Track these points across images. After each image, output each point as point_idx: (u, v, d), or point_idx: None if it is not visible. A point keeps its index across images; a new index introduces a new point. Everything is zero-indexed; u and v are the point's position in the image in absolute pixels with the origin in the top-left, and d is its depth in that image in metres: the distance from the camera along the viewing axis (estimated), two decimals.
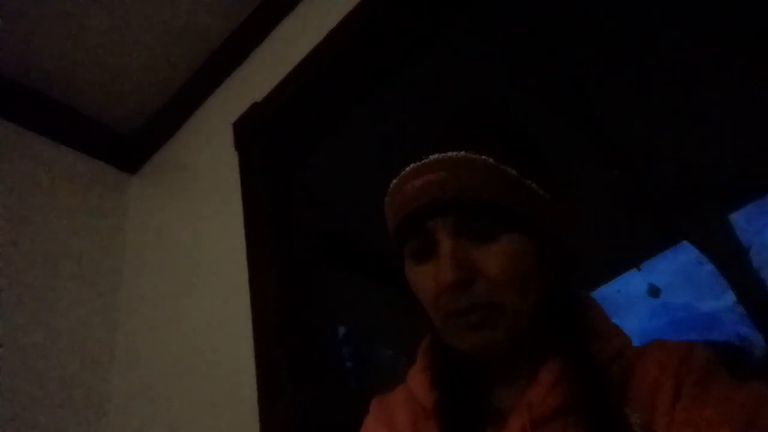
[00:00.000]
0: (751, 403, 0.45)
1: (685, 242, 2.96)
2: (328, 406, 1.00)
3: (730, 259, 2.87)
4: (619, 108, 2.00)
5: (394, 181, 0.58)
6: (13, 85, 1.59)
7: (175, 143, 1.74)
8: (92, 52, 1.60)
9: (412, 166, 0.56)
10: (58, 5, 1.47)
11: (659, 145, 2.15)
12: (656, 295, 3.36)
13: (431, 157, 0.55)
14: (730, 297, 3.02)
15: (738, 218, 2.88)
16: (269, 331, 1.12)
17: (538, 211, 0.55)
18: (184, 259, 1.48)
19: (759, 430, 0.42)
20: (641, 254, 3.04)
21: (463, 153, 0.54)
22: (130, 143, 1.82)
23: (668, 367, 0.51)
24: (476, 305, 0.52)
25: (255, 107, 1.45)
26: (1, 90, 1.57)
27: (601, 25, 1.76)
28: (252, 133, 1.44)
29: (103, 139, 1.78)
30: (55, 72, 1.61)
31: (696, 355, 0.52)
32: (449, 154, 0.54)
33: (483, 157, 0.54)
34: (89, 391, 1.38)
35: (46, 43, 1.55)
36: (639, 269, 3.18)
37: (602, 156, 2.17)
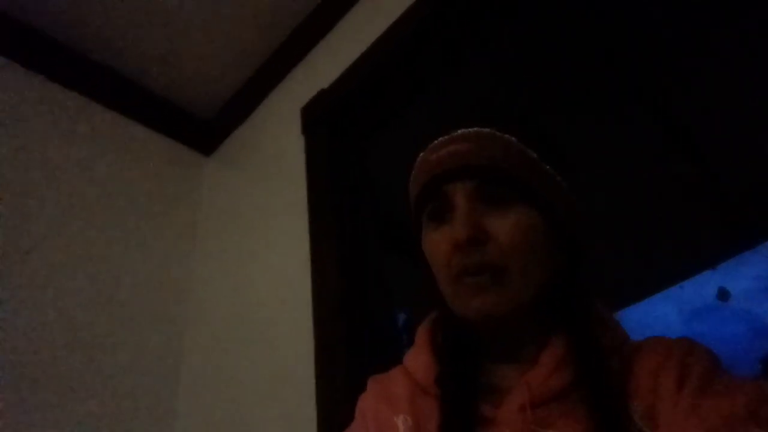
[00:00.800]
0: (754, 398, 0.45)
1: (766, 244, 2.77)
2: None
3: None
4: (695, 102, 1.89)
5: (422, 153, 0.62)
6: (99, 67, 1.72)
7: (247, 127, 1.83)
8: (172, 40, 1.70)
9: (440, 139, 0.60)
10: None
11: (739, 141, 2.02)
12: (725, 299, 3.16)
13: (459, 131, 0.58)
14: None
15: None
16: (329, 310, 1.16)
17: (553, 193, 0.58)
18: (252, 237, 1.56)
19: (762, 419, 0.42)
20: (717, 255, 2.87)
21: (488, 129, 0.58)
22: (206, 126, 1.93)
23: (673, 356, 0.52)
24: (486, 264, 0.54)
25: (322, 94, 1.50)
26: (87, 72, 1.70)
27: (670, 15, 1.67)
28: (318, 118, 1.49)
29: (182, 122, 1.89)
30: (137, 56, 1.74)
31: (701, 349, 0.53)
32: (474, 129, 0.58)
33: (506, 135, 0.57)
34: (161, 360, 1.49)
35: (130, 28, 1.66)
36: (715, 269, 3.00)
37: (676, 151, 2.07)
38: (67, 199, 1.50)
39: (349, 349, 1.07)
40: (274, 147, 1.65)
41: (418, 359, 0.63)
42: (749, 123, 1.95)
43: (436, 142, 0.60)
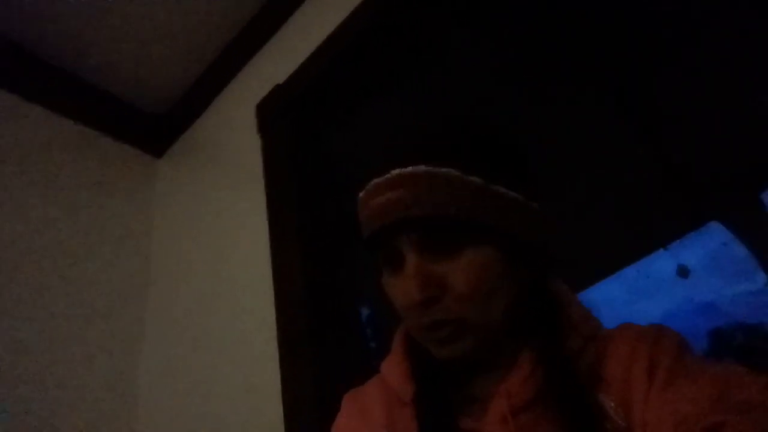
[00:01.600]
0: (721, 379, 0.46)
1: (714, 223, 2.89)
2: (348, 378, 1.02)
3: (761, 240, 2.79)
4: (648, 83, 1.95)
5: (361, 194, 0.58)
6: (42, 66, 1.62)
7: (200, 126, 1.77)
8: (119, 35, 1.62)
9: (374, 181, 0.56)
10: None
11: (689, 121, 2.10)
12: (685, 276, 3.30)
13: (393, 172, 0.54)
14: (761, 279, 2.95)
15: None
16: (291, 309, 1.14)
17: (506, 217, 0.54)
18: (209, 240, 1.51)
19: (731, 403, 0.43)
20: (669, 234, 2.98)
21: (422, 168, 0.53)
22: (156, 126, 1.86)
23: (641, 346, 0.52)
24: (441, 321, 0.53)
25: (277, 89, 1.46)
26: (28, 71, 1.60)
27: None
28: (275, 115, 1.45)
29: (131, 123, 1.81)
30: (84, 54, 1.65)
31: (667, 335, 0.53)
32: (409, 169, 0.54)
33: (444, 169, 0.53)
34: (117, 370, 1.43)
35: (74, 24, 1.57)
36: (666, 248, 3.12)
37: (630, 132, 2.12)
38: (7, 208, 1.41)
39: (312, 347, 1.06)
40: (229, 146, 1.60)
41: (395, 369, 0.62)
42: (700, 103, 2.02)
43: (373, 183, 0.56)
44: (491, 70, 1.65)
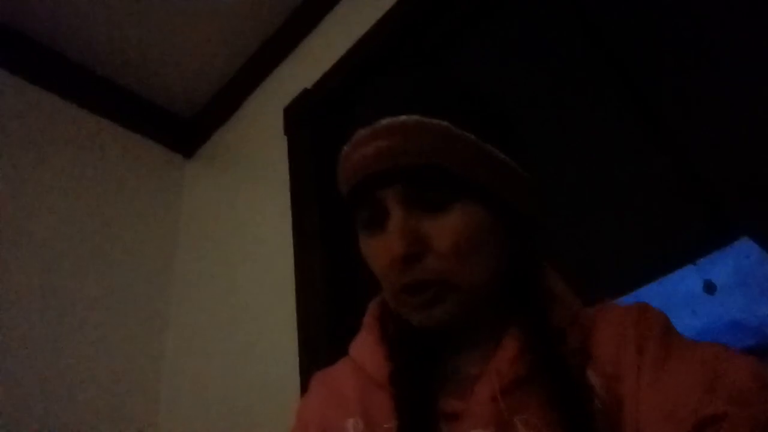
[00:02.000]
0: (710, 362, 0.45)
1: (745, 239, 2.82)
2: None
3: None
4: (674, 93, 1.91)
5: (345, 148, 0.54)
6: (77, 68, 1.69)
7: (229, 128, 1.81)
8: (153, 41, 1.68)
9: (361, 132, 0.52)
10: None
11: (717, 132, 2.05)
12: (712, 292, 3.22)
13: (382, 121, 0.50)
14: None
15: None
16: (313, 310, 1.15)
17: (498, 178, 0.51)
18: (235, 239, 1.54)
19: (724, 390, 0.42)
20: (697, 251, 2.92)
21: (416, 117, 0.50)
22: (186, 128, 1.90)
23: (628, 327, 0.50)
24: (425, 282, 0.49)
25: (305, 93, 1.49)
26: (64, 72, 1.67)
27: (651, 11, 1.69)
28: (301, 118, 1.47)
29: (162, 124, 1.87)
30: (118, 58, 1.70)
31: (652, 315, 0.51)
32: (401, 118, 0.50)
33: (437, 120, 0.50)
34: (142, 364, 1.47)
35: (109, 27, 1.63)
36: (695, 264, 3.05)
37: (653, 142, 2.08)
38: (39, 205, 1.46)
39: (332, 349, 1.06)
40: (257, 148, 1.63)
41: (367, 349, 0.57)
42: (729, 117, 1.97)
43: (358, 135, 0.52)
44: (509, 76, 1.64)
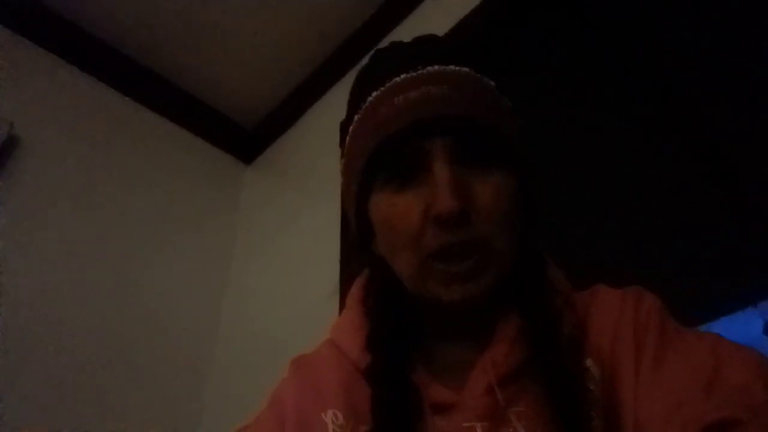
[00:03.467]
0: (710, 360, 0.42)
1: None
2: None
3: None
4: (736, 132, 1.84)
5: (375, 93, 0.48)
6: (151, 74, 1.80)
7: (288, 138, 1.87)
8: (223, 52, 1.78)
9: (403, 75, 0.47)
10: (194, 10, 1.65)
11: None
12: None
13: (429, 68, 0.47)
14: None
15: None
16: None
17: (524, 150, 0.50)
18: (287, 247, 1.60)
19: (727, 392, 0.40)
20: (759, 292, 2.76)
21: (467, 69, 0.47)
22: (248, 136, 1.99)
23: (625, 313, 0.48)
24: (469, 244, 0.44)
25: None
26: (139, 77, 1.78)
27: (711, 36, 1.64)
28: None
29: (225, 131, 1.96)
30: (188, 66, 1.81)
31: (648, 300, 0.49)
32: (452, 67, 0.47)
33: (487, 78, 0.48)
34: (192, 367, 1.51)
35: (184, 39, 1.74)
36: (756, 306, 2.89)
37: (713, 181, 2.01)
38: (106, 200, 1.55)
39: None
40: (312, 159, 1.69)
41: (351, 334, 0.52)
42: None
43: (399, 79, 0.47)
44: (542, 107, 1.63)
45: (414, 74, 0.46)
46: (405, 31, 1.57)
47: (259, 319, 1.51)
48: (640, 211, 2.02)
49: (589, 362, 0.46)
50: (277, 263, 1.58)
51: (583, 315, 0.50)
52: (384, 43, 1.60)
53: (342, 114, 0.54)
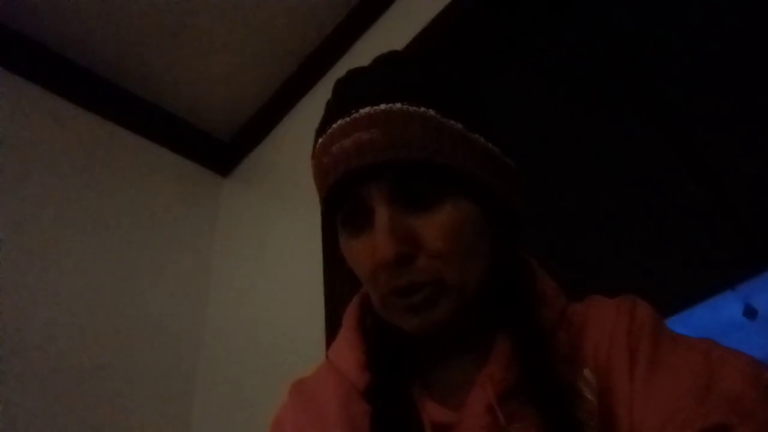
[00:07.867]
0: (704, 367, 0.43)
1: None
2: None
3: None
4: (707, 121, 1.89)
5: (320, 139, 0.49)
6: (118, 89, 1.77)
7: (264, 148, 1.86)
8: (192, 64, 1.76)
9: (339, 122, 0.47)
10: (167, 19, 1.64)
11: (749, 157, 2.00)
12: (752, 317, 3.10)
13: (361, 110, 0.46)
14: None
15: None
16: (339, 321, 1.17)
17: (487, 170, 0.48)
18: (267, 258, 1.59)
19: (721, 398, 0.40)
20: (736, 276, 2.83)
21: (399, 105, 0.46)
22: (224, 147, 1.97)
23: (619, 324, 0.48)
24: (417, 283, 0.45)
25: None
26: (106, 93, 1.75)
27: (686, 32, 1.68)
28: None
29: (200, 143, 1.94)
30: (156, 78, 1.79)
31: (641, 310, 0.49)
32: (382, 106, 0.46)
33: (423, 109, 0.46)
34: (175, 383, 1.49)
35: (150, 50, 1.72)
36: (734, 290, 2.95)
37: (688, 169, 2.05)
38: (82, 219, 1.53)
39: None
40: (291, 168, 1.68)
41: (348, 355, 0.52)
42: (763, 142, 1.93)
43: (335, 126, 0.47)
44: (546, 103, 1.66)
45: (348, 119, 0.47)
46: (375, 36, 1.58)
47: (242, 329, 1.50)
48: (616, 199, 2.05)
49: (586, 372, 0.46)
50: (259, 273, 1.57)
51: (579, 327, 0.50)
52: (355, 49, 1.62)
53: (316, 122, 0.54)
